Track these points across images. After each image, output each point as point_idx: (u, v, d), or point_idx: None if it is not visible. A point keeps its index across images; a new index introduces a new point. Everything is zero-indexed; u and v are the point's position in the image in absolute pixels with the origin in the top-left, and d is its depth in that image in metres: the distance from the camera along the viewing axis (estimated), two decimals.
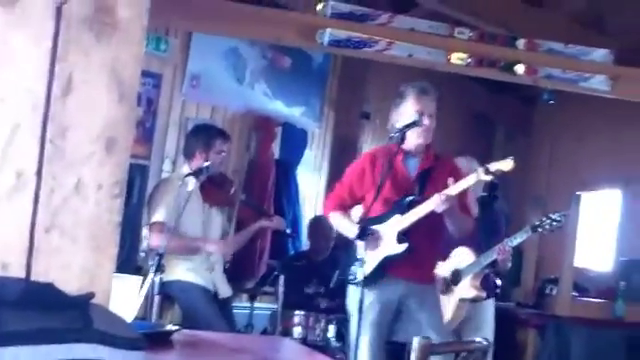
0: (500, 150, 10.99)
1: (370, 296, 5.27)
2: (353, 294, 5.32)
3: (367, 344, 5.30)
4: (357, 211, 5.68)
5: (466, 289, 6.14)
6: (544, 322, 7.37)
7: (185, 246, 6.20)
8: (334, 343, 7.00)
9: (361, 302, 5.03)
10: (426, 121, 5.36)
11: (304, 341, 6.88)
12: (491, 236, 6.24)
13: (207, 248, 6.33)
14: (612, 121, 9.83)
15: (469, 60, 6.94)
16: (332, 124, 9.81)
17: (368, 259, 5.24)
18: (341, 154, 9.71)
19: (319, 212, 8.82)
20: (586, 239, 9.00)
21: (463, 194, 5.20)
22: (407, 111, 5.40)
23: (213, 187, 6.41)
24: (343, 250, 5.91)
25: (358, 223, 5.33)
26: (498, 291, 6.44)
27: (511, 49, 7.04)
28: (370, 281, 5.21)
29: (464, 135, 10.47)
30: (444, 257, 5.93)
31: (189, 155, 6.44)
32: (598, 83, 7.12)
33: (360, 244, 5.21)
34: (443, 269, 6.18)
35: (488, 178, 5.09)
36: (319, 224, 8.00)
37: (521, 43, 7.03)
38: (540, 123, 11.19)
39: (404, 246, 5.25)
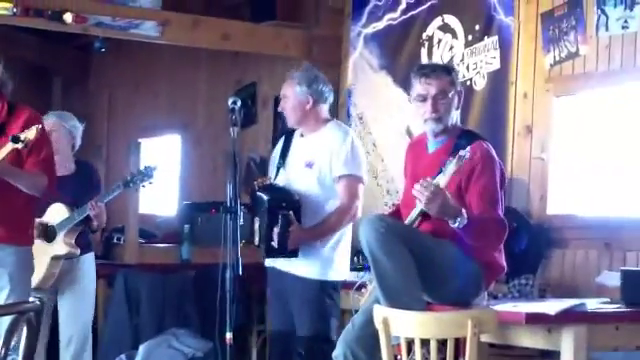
0: (58, 101, 10.83)
1: None
2: None
3: None
4: None
5: (60, 245, 6.00)
6: (113, 271, 7.34)
7: None
8: None
9: None
10: None
11: None
12: (89, 192, 6.14)
13: None
14: (167, 67, 9.97)
15: (15, 9, 6.74)
16: None
17: None
18: None
19: None
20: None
21: (34, 151, 5.04)
22: None
23: None
24: None
25: None
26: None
27: None
28: None
29: (20, 88, 10.16)
30: (26, 213, 5.66)
31: None
32: (148, 29, 7.18)
33: None
34: (37, 225, 6.00)
35: (18, 145, 4.98)
36: None
37: None
38: (97, 72, 11.15)
39: None
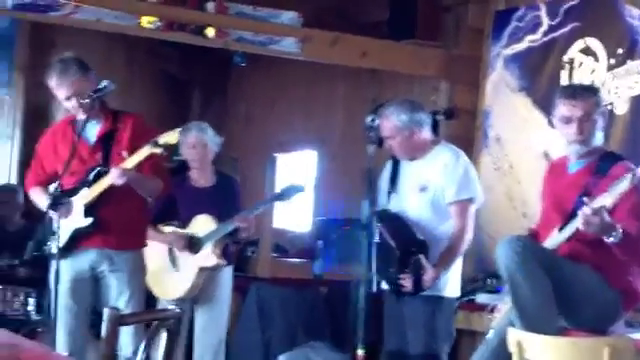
0: (196, 113, 10.99)
1: (65, 266, 5.23)
2: (50, 266, 5.22)
3: (64, 315, 5.28)
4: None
5: (207, 257, 6.11)
6: (246, 284, 7.44)
7: None
8: (35, 316, 6.80)
9: (57, 273, 5.05)
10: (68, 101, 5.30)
11: (3, 316, 6.65)
12: (231, 204, 6.26)
13: None
14: (304, 83, 10.03)
15: (159, 23, 6.89)
16: (22, 91, 9.47)
17: (62, 231, 5.21)
18: (33, 122, 9.42)
19: (11, 182, 8.53)
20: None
21: (150, 158, 5.19)
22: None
23: None
24: (37, 221, 5.74)
25: (50, 195, 5.24)
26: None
27: (201, 12, 7.04)
28: (65, 253, 5.20)
29: (160, 100, 10.41)
30: (143, 219, 5.82)
31: None
32: (288, 45, 7.25)
33: (54, 216, 5.13)
34: (181, 237, 6.15)
35: (158, 150, 5.14)
36: (7, 194, 7.74)
37: (211, 6, 7.05)
38: (235, 85, 11.28)
39: (89, 220, 5.29)
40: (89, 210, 5.29)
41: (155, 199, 5.61)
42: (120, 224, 5.32)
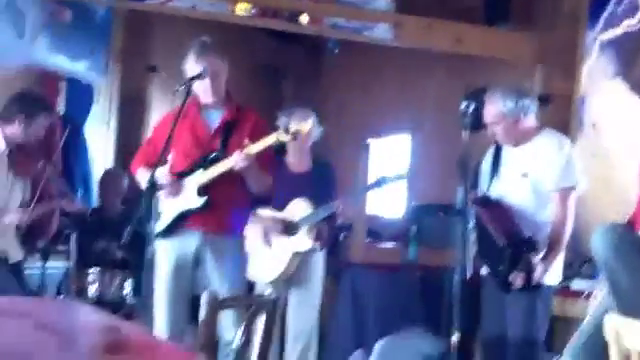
0: (289, 100, 11.03)
1: (166, 248, 5.38)
2: (148, 249, 5.30)
3: (164, 297, 5.36)
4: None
5: (302, 241, 6.17)
6: (339, 268, 7.47)
7: None
8: (131, 299, 6.91)
9: (158, 257, 5.30)
10: (207, 78, 5.32)
11: (100, 299, 6.77)
12: (328, 190, 6.31)
13: (5, 220, 6.12)
14: (397, 68, 10.01)
15: (253, 11, 6.94)
16: (119, 77, 9.61)
17: (166, 212, 5.38)
18: (129, 107, 9.56)
19: (108, 167, 8.68)
20: None
21: (263, 152, 5.26)
22: (191, 67, 5.39)
23: (22, 157, 6.11)
24: (136, 204, 5.83)
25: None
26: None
27: None
28: (167, 233, 5.36)
29: (252, 86, 10.46)
30: (246, 206, 5.89)
31: (6, 119, 6.09)
32: (381, 31, 7.25)
33: (161, 195, 5.30)
34: (276, 220, 6.21)
35: (288, 138, 5.23)
36: (108, 178, 7.88)
37: None
38: (328, 72, 11.31)
39: (203, 199, 5.37)
40: (200, 191, 5.39)
41: (260, 193, 5.66)
42: (227, 209, 5.43)
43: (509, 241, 5.23)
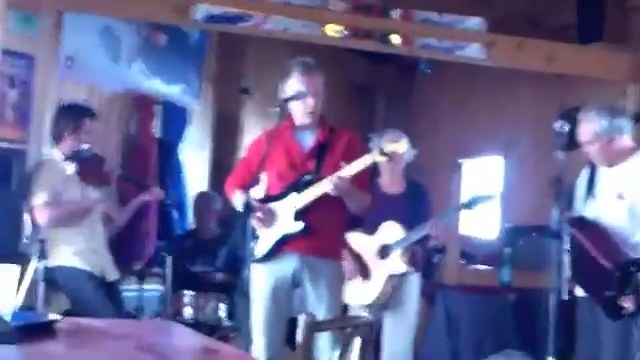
0: (381, 120, 11.04)
1: (264, 271, 5.34)
2: (244, 272, 5.31)
3: (262, 319, 5.35)
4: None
5: (396, 264, 6.16)
6: (432, 290, 7.44)
7: (73, 210, 6.14)
8: (226, 322, 6.96)
9: (255, 280, 5.18)
10: (309, 98, 5.33)
11: (196, 321, 6.83)
12: (421, 212, 6.29)
13: (99, 208, 6.27)
14: (490, 88, 9.96)
15: (345, 32, 6.95)
16: (212, 100, 9.73)
17: (264, 237, 5.35)
18: (223, 130, 9.67)
19: (204, 190, 8.76)
20: None
21: (360, 171, 5.24)
22: (291, 88, 5.37)
23: (87, 166, 6.24)
24: (231, 227, 5.87)
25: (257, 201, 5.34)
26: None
27: (386, 19, 7.07)
28: (266, 258, 5.34)
29: (344, 106, 10.48)
30: (343, 229, 5.88)
31: (58, 137, 6.29)
32: (473, 51, 7.19)
33: (254, 221, 5.25)
34: (369, 243, 6.21)
35: (383, 159, 5.22)
36: (204, 201, 7.97)
37: (396, 13, 7.06)
38: (420, 92, 11.28)
39: (300, 224, 5.33)
40: (297, 215, 5.35)
41: (358, 213, 5.64)
42: (325, 232, 5.37)
43: (613, 263, 5.12)
